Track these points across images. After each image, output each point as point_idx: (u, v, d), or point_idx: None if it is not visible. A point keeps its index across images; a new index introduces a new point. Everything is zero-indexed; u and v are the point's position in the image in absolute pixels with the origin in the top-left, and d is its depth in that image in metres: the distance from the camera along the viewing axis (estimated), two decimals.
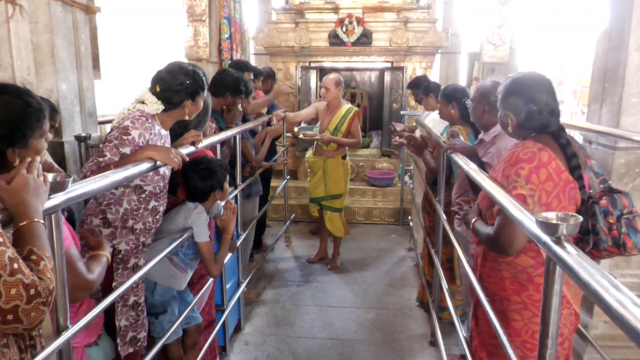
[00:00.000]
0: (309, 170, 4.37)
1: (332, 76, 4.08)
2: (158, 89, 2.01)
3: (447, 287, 2.62)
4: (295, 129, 4.30)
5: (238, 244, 2.94)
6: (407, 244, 4.88)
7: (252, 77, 4.05)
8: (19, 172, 1.13)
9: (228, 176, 2.39)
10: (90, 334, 1.66)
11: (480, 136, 2.47)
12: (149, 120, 1.96)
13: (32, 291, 0.96)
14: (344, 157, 4.24)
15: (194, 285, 2.47)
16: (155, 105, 1.99)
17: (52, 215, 1.17)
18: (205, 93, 2.15)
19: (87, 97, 2.96)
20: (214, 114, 3.03)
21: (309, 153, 4.35)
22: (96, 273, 1.42)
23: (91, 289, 1.43)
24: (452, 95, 2.91)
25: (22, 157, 1.33)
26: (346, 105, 4.19)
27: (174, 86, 2.00)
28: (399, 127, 4.96)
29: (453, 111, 2.92)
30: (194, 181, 2.26)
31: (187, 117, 2.10)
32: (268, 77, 4.75)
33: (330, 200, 4.21)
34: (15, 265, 0.95)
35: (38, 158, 1.21)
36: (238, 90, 3.14)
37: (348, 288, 3.90)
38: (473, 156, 2.23)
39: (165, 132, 2.09)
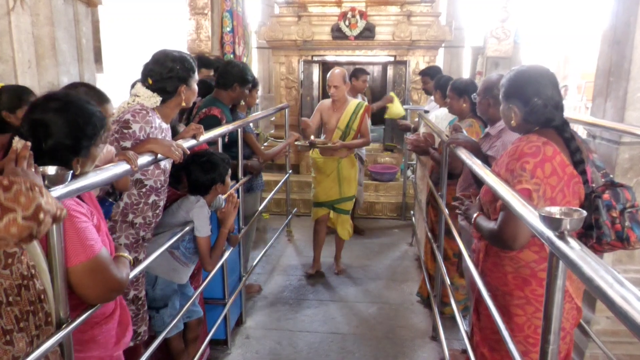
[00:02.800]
0: (314, 171, 4.05)
1: (337, 71, 3.79)
2: (150, 82, 1.99)
3: (449, 281, 2.61)
4: (312, 137, 3.90)
5: (240, 237, 2.94)
6: (409, 238, 4.87)
7: (211, 74, 3.86)
8: (8, 165, 1.10)
9: (230, 170, 2.38)
10: (121, 339, 1.55)
11: (486, 130, 2.46)
12: (150, 114, 1.95)
13: (5, 182, 0.87)
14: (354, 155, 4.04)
15: (194, 276, 2.47)
16: (152, 99, 1.98)
17: None
18: (196, 76, 2.12)
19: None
20: (222, 108, 3.03)
21: (316, 153, 3.97)
22: (124, 273, 1.41)
23: (122, 290, 1.41)
24: (464, 89, 2.91)
25: (82, 165, 1.35)
26: (355, 100, 3.93)
27: (164, 75, 1.99)
28: (402, 123, 4.95)
29: (465, 105, 2.92)
30: (195, 174, 2.26)
31: (184, 104, 2.08)
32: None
33: (343, 202, 3.96)
34: None
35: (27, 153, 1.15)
36: (245, 80, 3.12)
37: (349, 282, 3.90)
38: (476, 150, 2.21)
39: (166, 126, 2.08)
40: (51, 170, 1.18)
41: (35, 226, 0.90)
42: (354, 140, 3.85)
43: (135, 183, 1.95)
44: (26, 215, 0.88)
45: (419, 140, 3.31)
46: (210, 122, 2.80)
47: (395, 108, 5.03)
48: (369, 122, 3.97)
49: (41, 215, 0.90)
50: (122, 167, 1.57)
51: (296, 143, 3.96)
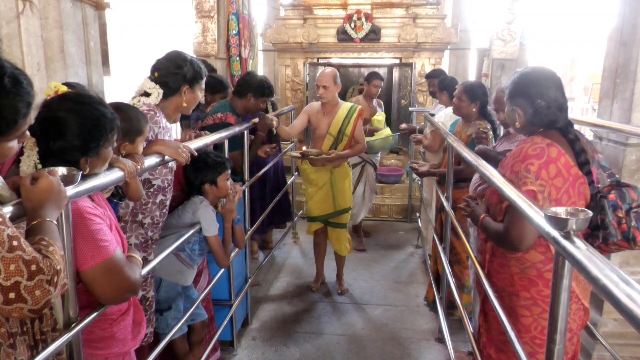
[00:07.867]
0: (305, 183, 3.71)
1: (328, 71, 3.44)
2: (156, 75, 2.02)
3: (462, 284, 2.61)
4: (304, 148, 3.67)
5: (246, 238, 2.94)
6: (414, 240, 4.87)
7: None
8: (44, 174, 1.11)
9: (227, 172, 2.35)
10: (136, 335, 1.57)
11: (507, 129, 2.53)
12: (157, 114, 1.97)
13: (33, 267, 0.92)
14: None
15: (195, 279, 2.48)
16: (155, 92, 1.99)
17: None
18: (202, 84, 2.12)
19: (96, 92, 2.97)
20: (237, 117, 3.05)
21: (306, 163, 3.59)
22: (138, 274, 1.41)
23: (136, 291, 1.42)
24: (477, 93, 3.00)
25: (92, 166, 1.36)
26: (347, 104, 3.55)
27: (171, 70, 2.01)
28: (404, 126, 4.92)
29: (474, 110, 3.01)
30: (188, 172, 2.29)
31: (184, 105, 2.08)
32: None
33: (338, 216, 3.63)
34: (15, 243, 0.92)
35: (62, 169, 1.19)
36: (261, 92, 3.13)
37: (355, 284, 3.90)
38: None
39: (170, 126, 2.09)
40: (61, 170, 1.19)
41: (36, 315, 0.97)
42: (347, 149, 3.50)
43: (143, 183, 1.96)
44: (33, 309, 0.94)
45: (419, 169, 3.20)
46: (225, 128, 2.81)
47: (378, 135, 4.72)
48: (362, 126, 3.60)
49: (45, 310, 0.97)
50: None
51: (288, 154, 3.73)
